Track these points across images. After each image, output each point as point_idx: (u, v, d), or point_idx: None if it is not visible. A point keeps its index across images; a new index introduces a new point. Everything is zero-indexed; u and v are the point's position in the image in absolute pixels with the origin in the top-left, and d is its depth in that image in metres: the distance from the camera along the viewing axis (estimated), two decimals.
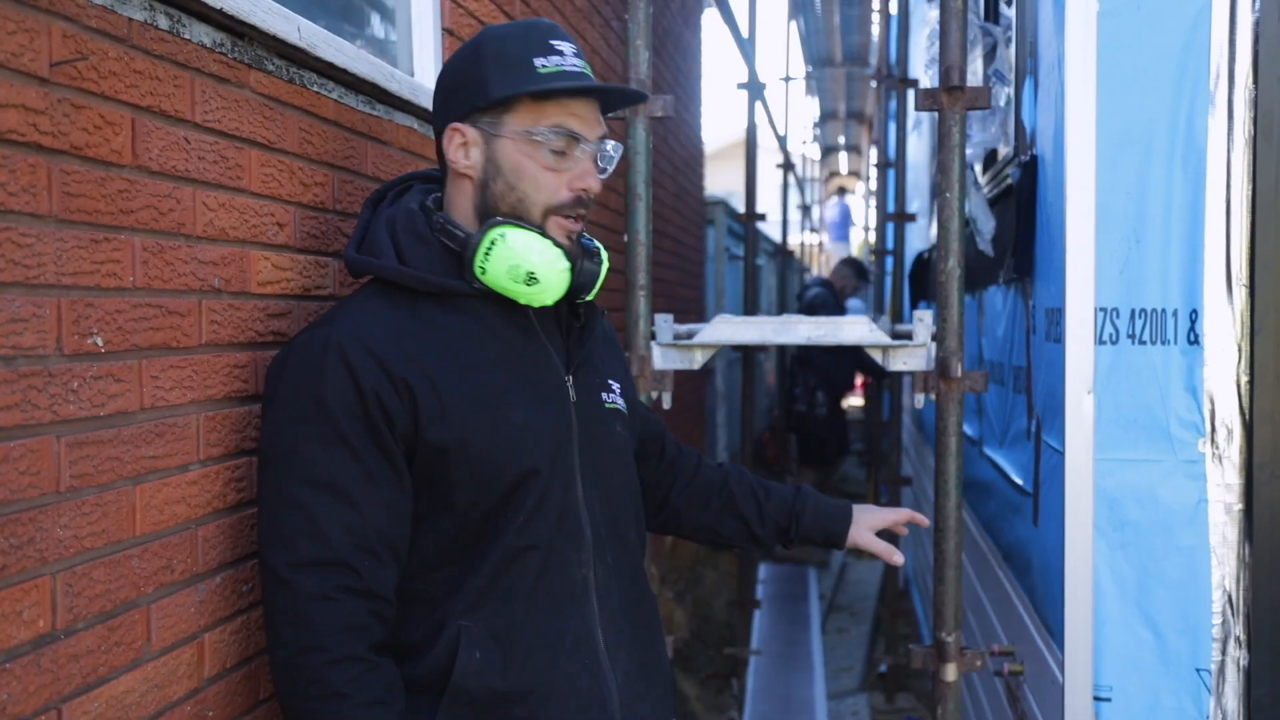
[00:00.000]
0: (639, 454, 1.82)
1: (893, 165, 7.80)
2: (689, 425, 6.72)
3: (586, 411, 1.60)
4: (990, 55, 3.35)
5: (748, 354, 5.45)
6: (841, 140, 15.32)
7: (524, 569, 1.49)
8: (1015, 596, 3.01)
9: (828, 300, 7.30)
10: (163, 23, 1.37)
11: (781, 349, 8.07)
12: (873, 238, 14.00)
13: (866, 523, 1.92)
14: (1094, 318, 2.23)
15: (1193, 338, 2.21)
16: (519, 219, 1.52)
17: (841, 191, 18.80)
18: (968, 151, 3.45)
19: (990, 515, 3.52)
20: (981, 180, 3.55)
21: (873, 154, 13.02)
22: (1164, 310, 2.22)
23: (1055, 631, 2.46)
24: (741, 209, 5.38)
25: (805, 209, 12.51)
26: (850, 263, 8.68)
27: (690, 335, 2.55)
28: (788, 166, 7.88)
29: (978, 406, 3.83)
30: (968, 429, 4.35)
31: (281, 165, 1.66)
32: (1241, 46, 2.17)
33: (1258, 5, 2.15)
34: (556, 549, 1.52)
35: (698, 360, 2.53)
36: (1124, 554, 2.27)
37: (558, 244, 1.52)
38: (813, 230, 14.49)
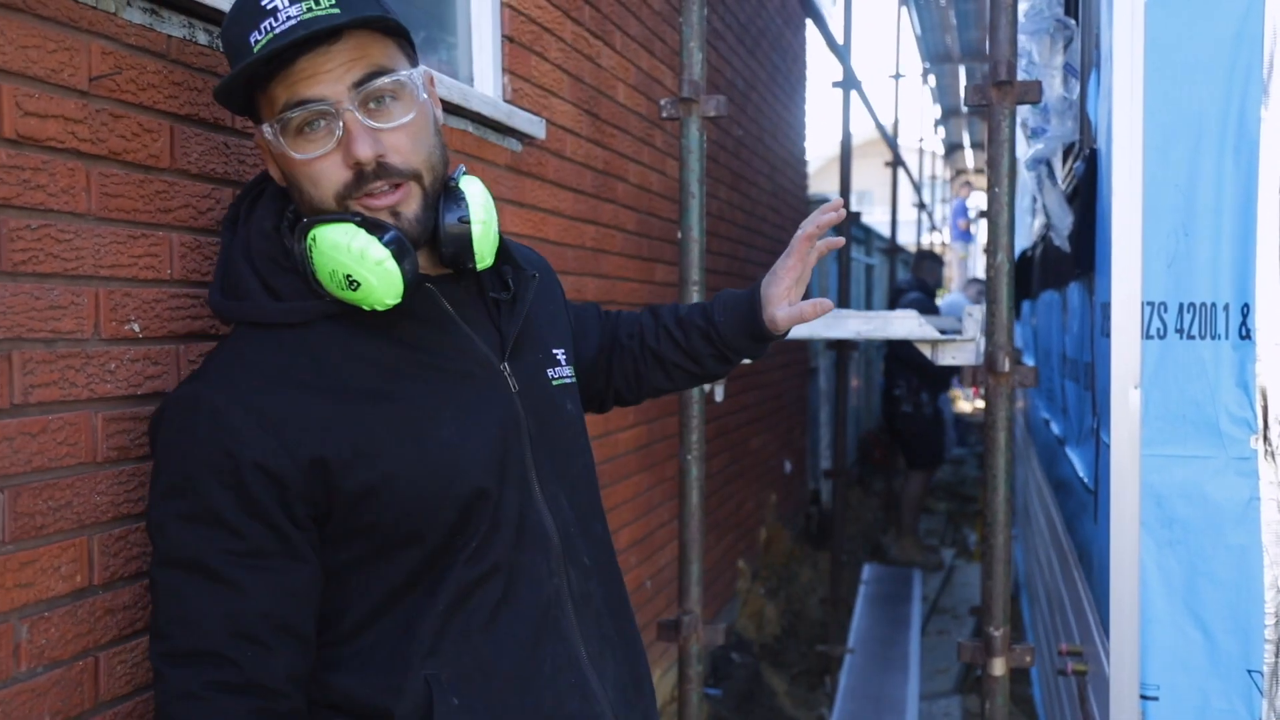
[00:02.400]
0: (619, 353, 1.66)
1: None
2: (790, 423, 6.74)
3: (532, 398, 1.39)
4: (1068, 47, 3.30)
5: (841, 352, 5.45)
6: (965, 137, 15.01)
7: (484, 596, 1.30)
8: (1084, 596, 2.97)
9: (926, 306, 7.19)
10: (202, 39, 1.50)
11: (885, 347, 7.99)
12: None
13: (775, 295, 1.56)
14: (1140, 312, 2.20)
15: (1244, 332, 2.17)
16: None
17: (968, 186, 18.41)
18: (1042, 146, 3.42)
19: (1069, 514, 3.48)
20: (1060, 175, 3.51)
21: None
22: (1214, 304, 2.18)
23: (1110, 630, 2.43)
24: (872, 209, 5.36)
25: (921, 206, 12.32)
26: (929, 255, 8.45)
27: None
28: (897, 164, 7.80)
29: (1063, 404, 3.77)
30: (1056, 428, 4.28)
31: None
32: None
33: None
34: (520, 564, 1.33)
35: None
36: (1172, 551, 2.23)
37: (377, 228, 1.25)
38: (933, 229, 14.26)
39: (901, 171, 8.39)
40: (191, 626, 1.21)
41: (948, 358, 2.46)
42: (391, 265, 1.24)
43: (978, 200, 19.57)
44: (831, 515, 7.98)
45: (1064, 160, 3.53)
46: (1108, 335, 2.40)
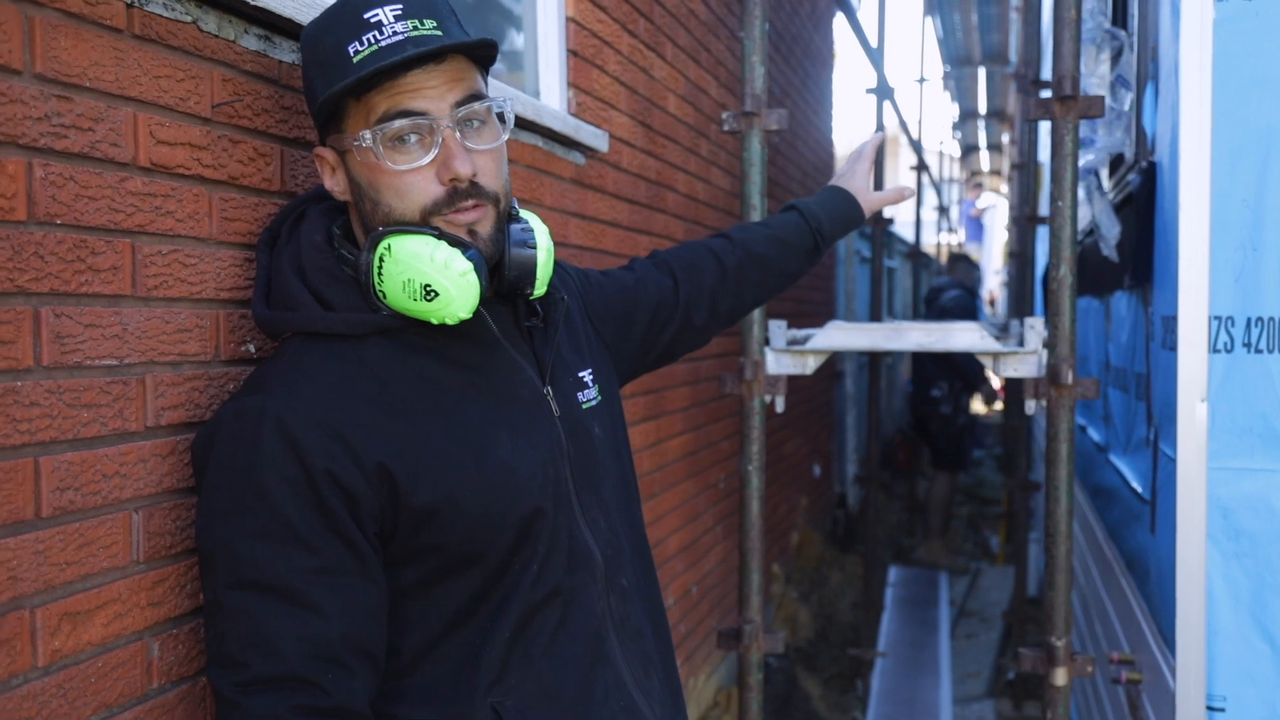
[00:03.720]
0: (671, 318, 1.70)
1: (1019, 166, 7.68)
2: (817, 427, 6.76)
3: (570, 422, 1.39)
4: (1117, 59, 3.32)
5: (874, 357, 5.46)
6: (982, 139, 15.01)
7: (545, 620, 1.30)
8: (1135, 605, 2.99)
9: (967, 304, 7.20)
10: None
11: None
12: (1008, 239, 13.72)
13: (860, 187, 1.93)
14: (1208, 325, 2.22)
15: None
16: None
17: (979, 188, 18.41)
18: (1091, 156, 3.43)
19: (1114, 522, 3.49)
20: (1107, 185, 3.52)
21: (1012, 154, 12.76)
22: None
23: (1171, 640, 2.45)
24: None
25: (943, 210, 12.33)
26: (963, 258, 8.49)
27: (803, 340, 2.63)
28: (922, 168, 7.81)
29: (1105, 412, 3.79)
30: (1095, 435, 4.29)
31: None
32: None
33: None
34: (574, 587, 1.33)
35: (810, 366, 2.60)
36: (1239, 564, 2.25)
37: (458, 243, 1.26)
38: (950, 231, 14.26)
39: (901, 174, 8.40)
40: (271, 651, 1.16)
41: (1009, 370, 2.48)
42: (473, 279, 1.24)
43: (987, 199, 19.55)
44: (857, 518, 8.00)
45: (1110, 171, 3.54)
46: (1171, 348, 2.42)
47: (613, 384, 1.54)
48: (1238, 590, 2.25)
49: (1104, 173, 3.53)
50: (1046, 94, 5.21)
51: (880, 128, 5.32)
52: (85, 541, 1.18)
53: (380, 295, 1.26)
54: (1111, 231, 3.20)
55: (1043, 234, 5.67)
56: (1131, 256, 2.81)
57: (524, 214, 1.37)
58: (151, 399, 1.27)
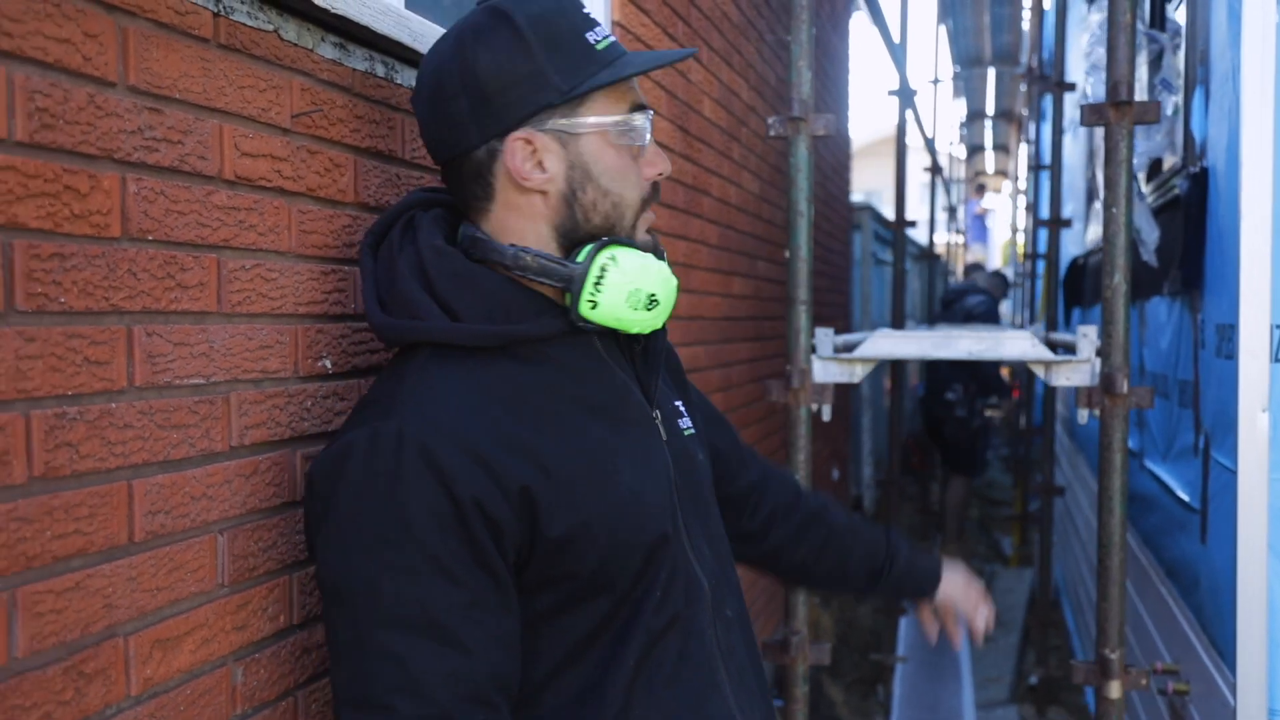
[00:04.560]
0: (740, 503, 1.65)
1: (1045, 168, 7.66)
2: (836, 431, 6.73)
3: (675, 447, 1.36)
4: (1155, 63, 3.29)
5: (896, 362, 5.44)
6: (988, 140, 14.99)
7: (666, 650, 1.26)
8: (1180, 614, 2.96)
9: (991, 309, 7.19)
10: (380, 71, 1.50)
11: None
12: (1021, 240, 13.69)
13: (949, 590, 1.80)
14: (1270, 334, 2.19)
15: None
16: (616, 230, 1.29)
17: (981, 190, 18.40)
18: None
19: (1151, 529, 3.46)
20: (1145, 189, 3.49)
21: (1022, 154, 12.73)
22: None
23: (1225, 652, 2.42)
24: (883, 210, 5.36)
25: (951, 210, 12.31)
26: (979, 267, 8.52)
27: (850, 348, 2.59)
28: (935, 170, 7.79)
29: (1139, 419, 3.75)
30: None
31: None
32: None
33: None
34: (690, 616, 1.29)
35: (858, 374, 2.57)
36: None
37: (657, 254, 1.31)
38: (958, 232, 14.24)
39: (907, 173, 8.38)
40: (420, 693, 1.10)
41: (1062, 379, 2.45)
42: (676, 292, 1.30)
43: (990, 200, 19.51)
44: (874, 520, 7.98)
45: (1148, 175, 3.51)
46: (1227, 356, 2.39)
47: (699, 424, 1.51)
48: None
49: (1141, 177, 3.50)
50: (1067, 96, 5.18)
51: (902, 129, 5.29)
52: (175, 566, 1.15)
53: (589, 304, 1.23)
54: (1150, 236, 3.17)
55: (1065, 236, 5.64)
56: (1178, 262, 2.78)
57: None
58: (236, 418, 1.23)
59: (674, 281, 1.29)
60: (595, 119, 1.26)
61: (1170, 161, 3.12)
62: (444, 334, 1.21)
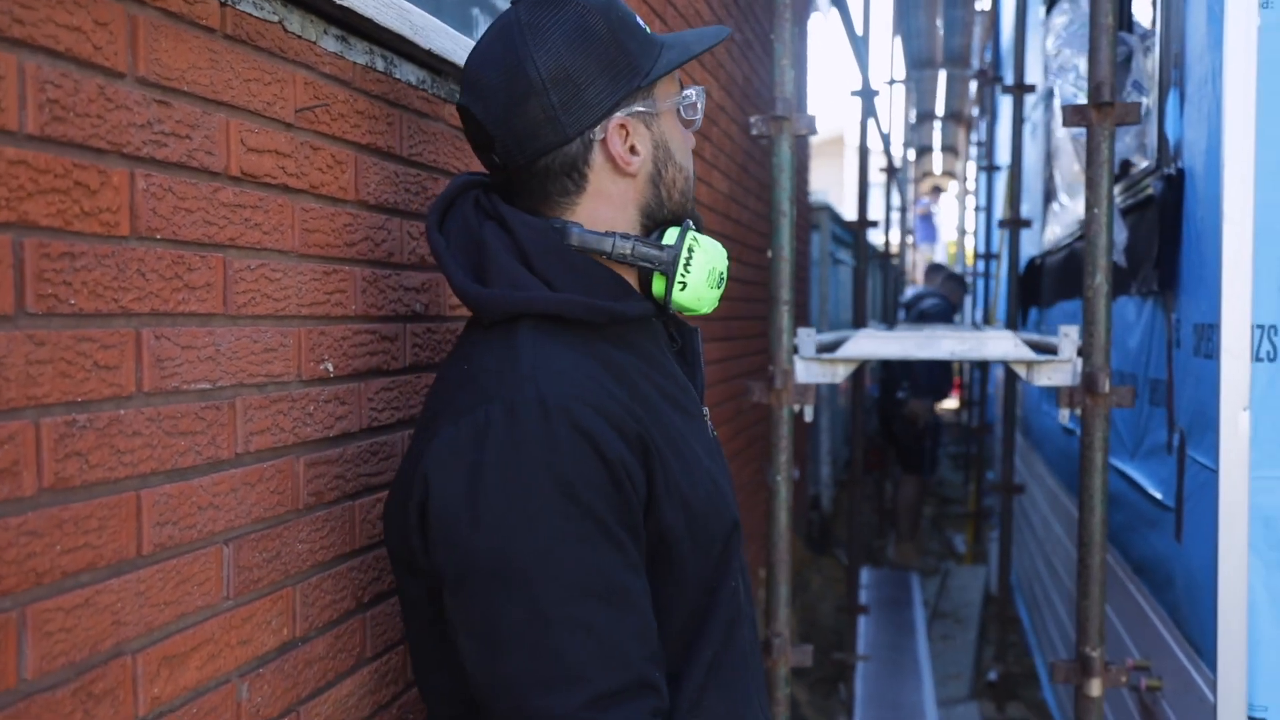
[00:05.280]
0: None
1: (998, 169, 7.73)
2: (795, 431, 6.74)
3: (715, 444, 1.37)
4: (1124, 65, 3.32)
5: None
6: (937, 141, 15.13)
7: (738, 641, 1.27)
8: (1151, 611, 2.99)
9: (945, 311, 7.26)
10: (379, 65, 1.46)
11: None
12: (968, 241, 13.83)
13: None
14: (1250, 335, 2.21)
15: None
16: (687, 209, 1.34)
17: (936, 191, 18.59)
18: None
19: (1116, 527, 3.49)
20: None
21: (971, 155, 12.85)
22: None
23: (1202, 649, 2.44)
24: (837, 210, 5.36)
25: (903, 211, 12.42)
26: (941, 268, 8.61)
27: (832, 348, 2.59)
28: (892, 171, 7.84)
29: None
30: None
31: None
32: None
33: None
34: (748, 611, 1.31)
35: (840, 374, 2.56)
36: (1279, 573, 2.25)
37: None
38: (908, 232, 14.35)
39: (849, 174, 8.43)
40: (617, 659, 1.08)
41: (1044, 379, 2.46)
42: None
43: (942, 201, 19.71)
44: (831, 520, 8.01)
45: (1116, 176, 3.54)
46: (1206, 356, 2.41)
47: None
48: (1279, 599, 2.25)
49: None
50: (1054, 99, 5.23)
51: (864, 130, 5.31)
52: (183, 579, 1.10)
53: (680, 285, 1.26)
54: (1119, 236, 3.20)
55: (1022, 236, 5.70)
56: (1153, 262, 2.80)
57: None
58: (241, 424, 1.19)
59: (728, 261, 1.34)
60: (666, 99, 1.30)
61: (1141, 163, 3.15)
62: (553, 304, 1.19)
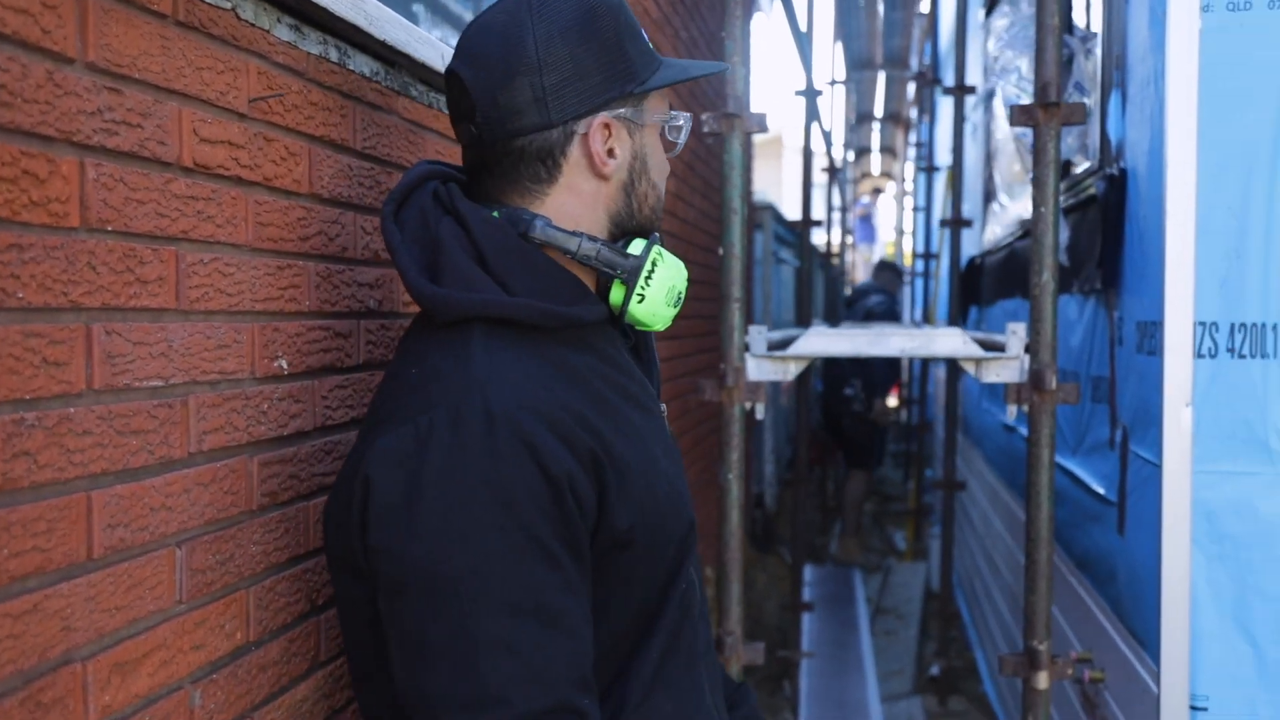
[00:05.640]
0: None
1: (937, 169, 7.83)
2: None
3: (671, 444, 1.36)
4: (1065, 67, 3.37)
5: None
6: (875, 143, 15.29)
7: (684, 644, 1.25)
8: (1094, 605, 3.03)
9: (890, 308, 7.34)
10: (333, 55, 1.42)
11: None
12: (907, 241, 13.99)
13: None
14: (1193, 332, 2.25)
15: None
16: (654, 226, 1.32)
17: (876, 192, 18.78)
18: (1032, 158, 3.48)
19: (1060, 523, 3.54)
20: None
21: (909, 156, 13.00)
22: (1264, 325, 2.24)
23: (1146, 641, 2.48)
24: (779, 210, 5.39)
25: (844, 211, 12.53)
26: (890, 265, 8.73)
27: (781, 346, 2.59)
28: (833, 171, 7.90)
29: None
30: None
31: None
32: None
33: None
34: (698, 614, 1.30)
35: (791, 371, 2.57)
36: (1222, 566, 2.29)
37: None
38: (848, 232, 14.49)
39: (788, 174, 8.50)
40: (540, 682, 1.05)
41: (992, 375, 2.48)
42: None
43: (881, 201, 19.93)
44: (775, 518, 8.05)
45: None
46: (1150, 353, 2.46)
47: None
48: (1221, 592, 2.30)
49: None
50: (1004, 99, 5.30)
51: (809, 129, 5.34)
52: (134, 582, 1.06)
53: (638, 297, 1.24)
54: (1060, 236, 3.25)
55: (963, 235, 5.77)
56: (1096, 261, 2.84)
57: None
58: (194, 423, 1.15)
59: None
60: (653, 114, 1.29)
61: (1083, 163, 3.20)
62: (508, 309, 1.17)
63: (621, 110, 1.25)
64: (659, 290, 1.25)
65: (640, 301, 1.24)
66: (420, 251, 1.21)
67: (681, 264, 1.30)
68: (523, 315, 1.17)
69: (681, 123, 1.32)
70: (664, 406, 1.39)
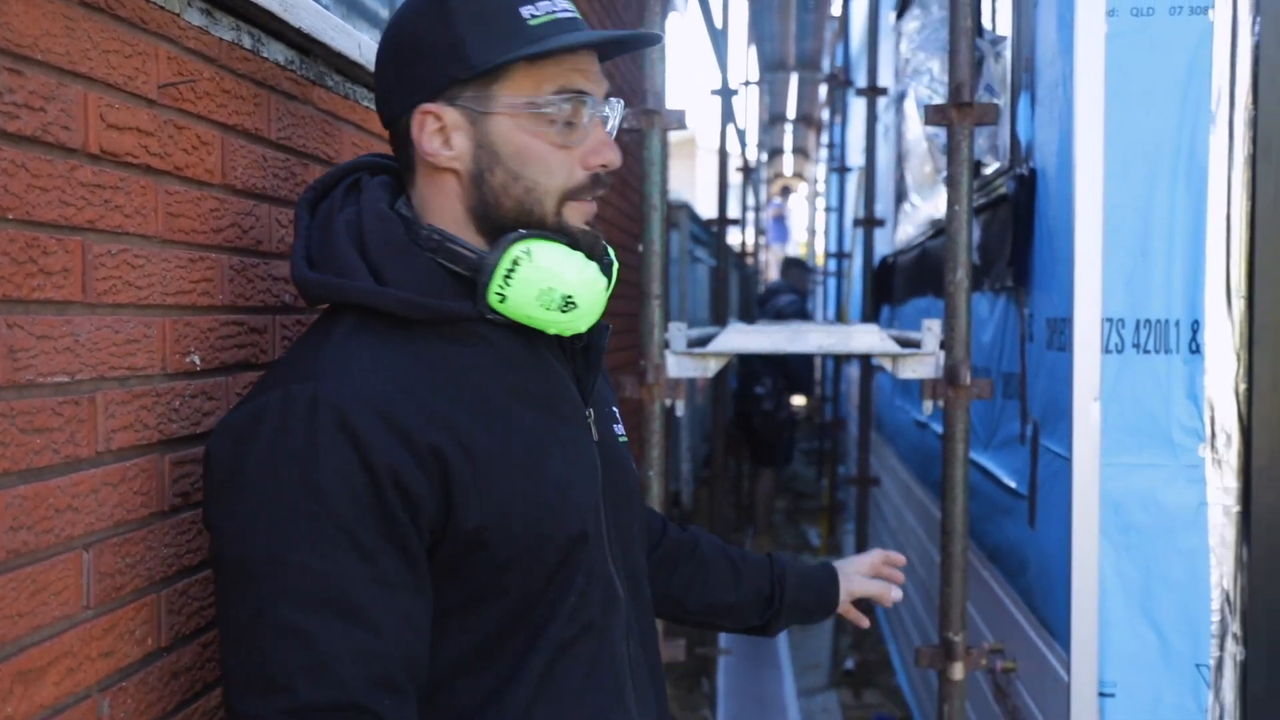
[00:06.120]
0: None
1: (848, 170, 7.94)
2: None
3: (606, 451, 1.31)
4: (975, 69, 3.43)
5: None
6: (788, 143, 15.47)
7: (576, 659, 1.21)
8: (1005, 596, 3.10)
9: (801, 308, 7.42)
10: (246, 42, 1.38)
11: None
12: (819, 241, 14.19)
13: (855, 588, 1.71)
14: (1101, 328, 2.31)
15: (1194, 347, 2.30)
16: (532, 222, 1.21)
17: (785, 193, 18.99)
18: (944, 159, 3.55)
19: (971, 516, 3.60)
20: None
21: (821, 156, 13.18)
22: (1167, 321, 2.31)
23: (1056, 630, 2.54)
24: (693, 209, 5.42)
25: (757, 211, 12.65)
26: (798, 262, 8.83)
27: (704, 343, 2.59)
28: (748, 171, 7.96)
29: None
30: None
31: None
32: (1241, 68, 2.26)
33: (1257, 29, 2.25)
34: (606, 626, 1.24)
35: (711, 368, 2.57)
36: (1128, 556, 2.35)
37: (592, 253, 1.24)
38: (761, 232, 14.63)
39: (701, 175, 8.56)
40: (325, 675, 1.03)
41: (908, 371, 2.52)
42: (605, 294, 1.22)
43: (793, 201, 20.18)
44: (692, 516, 8.08)
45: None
46: (1059, 349, 2.51)
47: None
48: (1128, 581, 2.36)
49: None
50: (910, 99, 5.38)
51: (724, 129, 5.37)
52: (38, 588, 1.02)
53: (497, 297, 1.17)
54: (971, 235, 3.31)
55: (877, 235, 5.85)
56: (1006, 259, 2.90)
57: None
58: (103, 420, 1.11)
59: (600, 283, 1.21)
60: (508, 98, 1.19)
61: (992, 164, 3.26)
62: (368, 296, 1.15)
63: (463, 98, 1.19)
64: (526, 291, 1.17)
65: (501, 301, 1.18)
66: (311, 239, 1.22)
67: (577, 265, 1.19)
68: (381, 303, 1.16)
69: (538, 108, 1.19)
70: (590, 412, 1.31)
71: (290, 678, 1.03)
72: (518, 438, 1.18)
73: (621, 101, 1.28)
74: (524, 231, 1.20)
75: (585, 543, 1.21)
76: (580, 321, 1.21)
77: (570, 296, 1.18)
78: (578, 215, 1.23)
